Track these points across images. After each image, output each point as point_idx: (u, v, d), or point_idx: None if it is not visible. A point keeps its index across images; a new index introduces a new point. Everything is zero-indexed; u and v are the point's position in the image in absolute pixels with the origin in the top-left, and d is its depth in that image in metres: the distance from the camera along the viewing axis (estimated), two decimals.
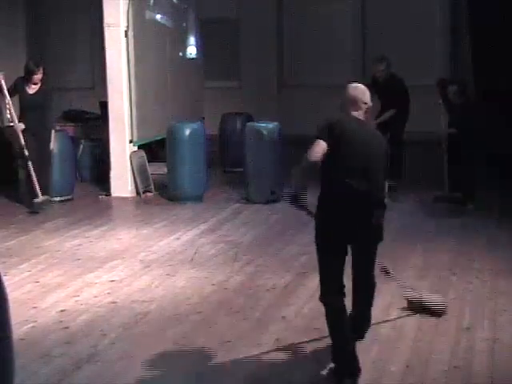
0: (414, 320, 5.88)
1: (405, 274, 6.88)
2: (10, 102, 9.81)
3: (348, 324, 4.84)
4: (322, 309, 4.84)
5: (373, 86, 10.29)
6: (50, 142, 9.96)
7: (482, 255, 7.64)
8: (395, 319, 5.87)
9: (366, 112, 4.95)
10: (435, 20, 14.94)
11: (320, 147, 4.68)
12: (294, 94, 15.19)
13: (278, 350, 5.36)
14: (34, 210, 9.74)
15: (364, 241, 4.92)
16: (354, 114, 4.90)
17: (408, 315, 5.95)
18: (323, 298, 4.85)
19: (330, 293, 4.83)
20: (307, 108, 14.27)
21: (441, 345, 5.39)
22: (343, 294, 4.87)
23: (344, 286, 4.86)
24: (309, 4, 15.44)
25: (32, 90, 9.90)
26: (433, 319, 5.89)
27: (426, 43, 14.75)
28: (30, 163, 9.71)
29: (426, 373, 4.98)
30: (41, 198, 9.79)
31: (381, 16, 15.05)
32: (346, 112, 4.93)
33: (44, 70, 9.91)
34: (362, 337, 5.23)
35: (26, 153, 9.71)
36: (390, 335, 5.58)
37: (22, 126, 9.78)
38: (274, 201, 10.06)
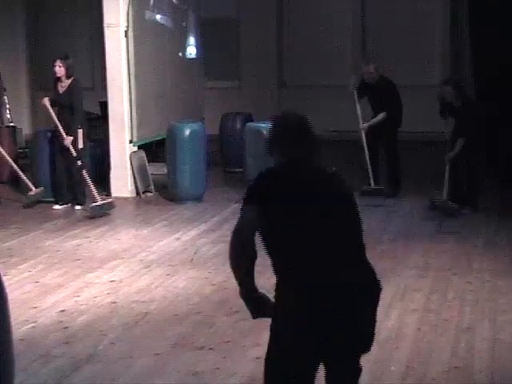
0: (414, 320, 5.88)
1: (405, 274, 6.90)
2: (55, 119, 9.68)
3: None
4: None
5: (363, 89, 10.32)
6: (76, 141, 9.64)
7: (482, 255, 7.64)
8: (395, 319, 5.88)
9: (311, 150, 3.51)
10: (435, 20, 14.94)
11: (250, 219, 3.49)
12: (294, 94, 15.17)
13: None
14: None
15: (342, 352, 3.54)
16: (294, 155, 3.48)
17: (408, 315, 5.95)
18: None
19: None
20: (307, 108, 14.23)
21: (441, 345, 5.39)
22: None
23: None
24: (309, 4, 15.43)
25: (62, 88, 9.75)
26: (433, 319, 5.89)
27: (426, 43, 14.75)
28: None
29: (426, 373, 4.98)
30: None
31: (381, 16, 15.04)
32: (279, 156, 3.52)
33: (67, 65, 9.66)
34: None
35: None
36: (390, 335, 5.58)
37: (70, 138, 9.57)
38: None
